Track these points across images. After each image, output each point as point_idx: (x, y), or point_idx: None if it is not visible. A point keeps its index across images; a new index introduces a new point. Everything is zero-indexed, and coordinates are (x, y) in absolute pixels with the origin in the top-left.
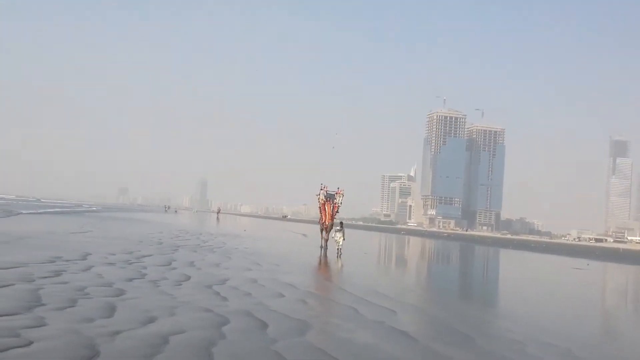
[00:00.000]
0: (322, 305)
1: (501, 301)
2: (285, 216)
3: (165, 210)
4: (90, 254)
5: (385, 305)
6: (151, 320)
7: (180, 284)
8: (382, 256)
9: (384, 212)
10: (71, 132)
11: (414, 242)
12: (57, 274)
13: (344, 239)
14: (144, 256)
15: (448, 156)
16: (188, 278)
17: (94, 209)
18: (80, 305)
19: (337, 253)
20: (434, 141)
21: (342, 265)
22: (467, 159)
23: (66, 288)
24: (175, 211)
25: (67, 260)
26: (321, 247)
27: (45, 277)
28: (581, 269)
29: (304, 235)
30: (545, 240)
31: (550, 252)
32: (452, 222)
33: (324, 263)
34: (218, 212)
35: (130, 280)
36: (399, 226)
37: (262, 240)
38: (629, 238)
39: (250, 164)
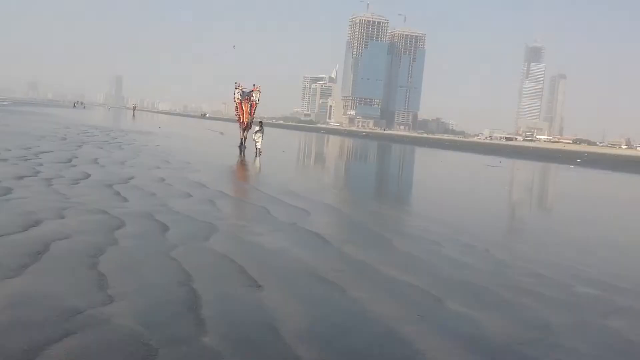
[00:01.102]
0: (232, 206)
1: (418, 200)
2: (205, 114)
3: (74, 106)
4: None
5: (299, 205)
6: (34, 223)
7: (77, 183)
8: (300, 155)
9: (304, 112)
10: None
11: (333, 141)
12: None
13: (262, 138)
14: (43, 152)
15: (369, 59)
16: (87, 176)
17: (5, 103)
18: None
19: (256, 153)
20: (356, 45)
21: (258, 165)
22: (388, 62)
23: None
24: (84, 106)
25: None
26: (239, 146)
27: None
28: (494, 167)
29: (221, 133)
30: (460, 139)
31: (464, 150)
32: (371, 122)
33: (239, 162)
34: (134, 109)
35: (21, 178)
36: (319, 125)
37: (177, 138)
38: (538, 137)
39: (169, 60)
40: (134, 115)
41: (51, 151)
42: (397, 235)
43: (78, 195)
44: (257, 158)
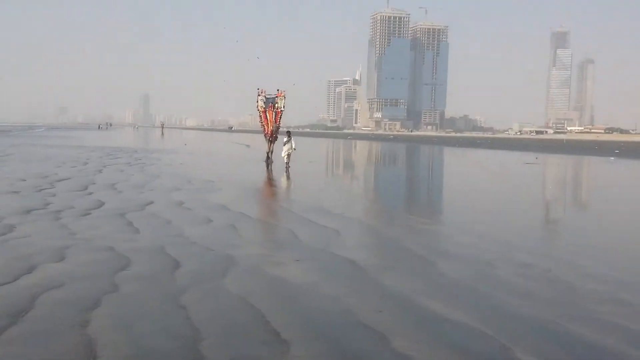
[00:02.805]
0: (255, 230)
1: (460, 210)
2: (231, 127)
3: (99, 128)
4: None
5: (328, 224)
6: (27, 270)
7: (88, 214)
8: (328, 164)
9: (330, 117)
10: None
11: (361, 147)
12: None
13: (294, 149)
14: (60, 180)
15: (393, 57)
16: (100, 205)
17: (42, 128)
18: None
19: (285, 168)
20: (378, 42)
21: (286, 180)
22: (412, 59)
23: None
24: (107, 127)
25: None
26: (265, 160)
27: None
28: (532, 164)
29: (248, 146)
30: (489, 135)
31: (496, 148)
32: (398, 123)
33: (265, 178)
34: (162, 127)
35: (28, 212)
36: (345, 131)
37: (202, 154)
38: (569, 128)
39: (194, 76)
40: (162, 133)
41: (68, 178)
42: (441, 257)
43: (85, 229)
44: (286, 174)
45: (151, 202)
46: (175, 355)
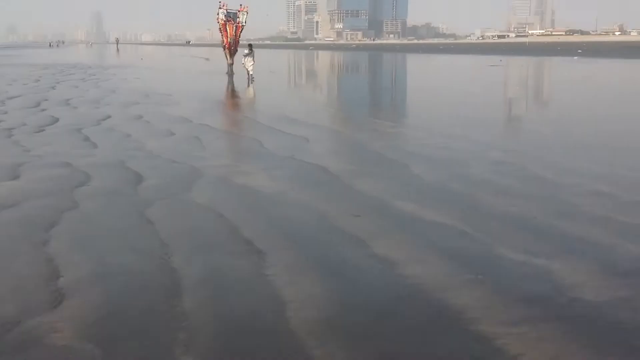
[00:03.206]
0: (220, 140)
1: (428, 112)
2: (189, 42)
3: (50, 46)
4: None
5: (295, 132)
6: None
7: (42, 130)
8: (291, 74)
9: (290, 29)
10: None
11: (323, 56)
12: None
13: (254, 62)
14: (11, 98)
15: None
16: (55, 121)
17: None
18: None
19: (248, 80)
20: None
21: (251, 91)
22: None
23: None
24: (57, 45)
25: None
26: (227, 73)
27: None
28: (497, 66)
29: (207, 59)
30: (452, 41)
31: (459, 53)
32: (360, 33)
33: (228, 90)
34: (117, 43)
35: None
36: (307, 42)
37: (159, 68)
38: (530, 32)
39: None
40: (117, 49)
41: (20, 96)
42: (413, 159)
43: (40, 145)
44: (250, 86)
45: (108, 117)
46: (144, 272)
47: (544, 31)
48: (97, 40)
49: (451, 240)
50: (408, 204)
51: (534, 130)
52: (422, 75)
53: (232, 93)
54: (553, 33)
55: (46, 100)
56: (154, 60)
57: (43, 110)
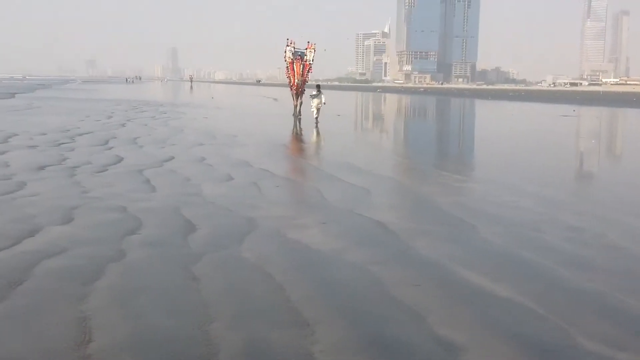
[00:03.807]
0: (278, 189)
1: (497, 165)
2: (259, 81)
3: (127, 81)
4: (17, 135)
5: (357, 182)
6: (30, 233)
7: (105, 170)
8: (357, 118)
9: (359, 71)
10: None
11: (390, 100)
12: None
13: (323, 103)
14: (80, 134)
15: (422, 10)
16: (119, 161)
17: (77, 82)
18: None
19: (315, 123)
20: None
21: (314, 135)
22: (442, 12)
23: None
24: (132, 81)
25: None
26: (293, 115)
27: None
28: (569, 116)
29: (275, 99)
30: (522, 88)
31: (529, 100)
32: (428, 76)
33: (292, 133)
34: (191, 81)
35: (42, 168)
36: (375, 84)
37: (228, 108)
38: (604, 80)
39: (223, 30)
40: (191, 87)
41: (90, 132)
42: (481, 219)
43: (99, 186)
44: (316, 129)
45: (171, 158)
46: (180, 339)
47: (618, 80)
48: (173, 76)
49: (520, 323)
50: (472, 274)
51: (611, 191)
52: (492, 123)
53: (297, 136)
54: (628, 82)
55: (115, 138)
56: (223, 100)
57: (110, 148)
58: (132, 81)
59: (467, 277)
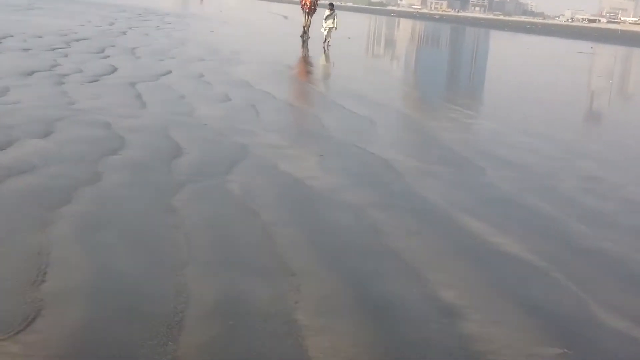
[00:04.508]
0: (276, 113)
1: (509, 102)
2: None
3: None
4: (11, 36)
5: (361, 111)
6: (1, 145)
7: (96, 80)
8: (368, 43)
9: None
10: None
11: (404, 25)
12: None
13: (335, 28)
14: (77, 40)
15: None
16: (112, 71)
17: None
18: None
19: (324, 45)
20: None
21: (322, 59)
22: None
23: None
24: None
25: None
26: (301, 35)
27: None
28: (586, 53)
29: (285, 17)
30: (540, 20)
31: (546, 34)
32: (445, 3)
33: (299, 55)
34: None
35: (30, 74)
36: (389, 8)
37: (235, 23)
38: (623, 19)
39: None
40: None
41: (87, 38)
42: (491, 162)
43: (86, 98)
44: (326, 53)
45: (169, 72)
46: (145, 288)
47: (637, 19)
48: None
49: (531, 286)
50: (478, 224)
51: (636, 137)
52: (507, 57)
53: (303, 58)
54: None
55: (112, 46)
56: (232, 14)
57: (105, 57)
58: None
59: (471, 227)
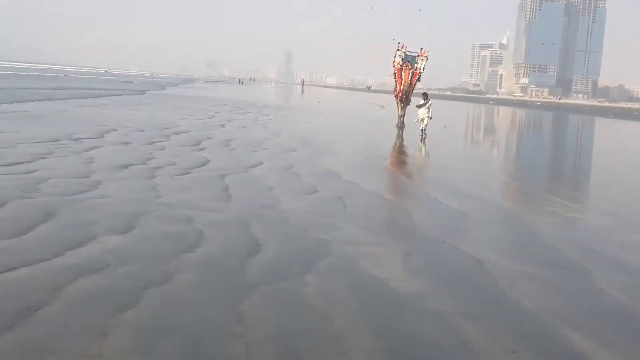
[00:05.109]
0: (363, 207)
1: (624, 197)
2: (370, 87)
3: (240, 82)
4: (115, 130)
5: (456, 205)
6: (79, 243)
7: (187, 173)
8: (465, 131)
9: (473, 81)
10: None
11: (503, 113)
12: (41, 157)
13: (430, 117)
14: (177, 133)
15: (544, 22)
16: (204, 163)
17: (202, 81)
18: (6, 208)
19: (421, 135)
20: (529, 7)
21: (418, 149)
22: (565, 25)
23: (21, 180)
24: (241, 82)
25: (74, 139)
26: (397, 125)
27: (10, 165)
28: None
29: (382, 107)
30: None
31: None
32: (546, 90)
33: (394, 144)
34: (302, 84)
35: (125, 167)
36: (488, 96)
37: (332, 113)
38: None
39: (337, 35)
40: (302, 90)
41: (187, 132)
42: (597, 263)
43: (174, 192)
44: (422, 143)
45: (260, 164)
46: None
47: None
48: (286, 79)
49: None
50: (585, 342)
51: None
52: (614, 145)
53: (397, 148)
54: None
55: (209, 139)
56: (330, 104)
57: (200, 150)
58: (243, 82)
59: (578, 346)
